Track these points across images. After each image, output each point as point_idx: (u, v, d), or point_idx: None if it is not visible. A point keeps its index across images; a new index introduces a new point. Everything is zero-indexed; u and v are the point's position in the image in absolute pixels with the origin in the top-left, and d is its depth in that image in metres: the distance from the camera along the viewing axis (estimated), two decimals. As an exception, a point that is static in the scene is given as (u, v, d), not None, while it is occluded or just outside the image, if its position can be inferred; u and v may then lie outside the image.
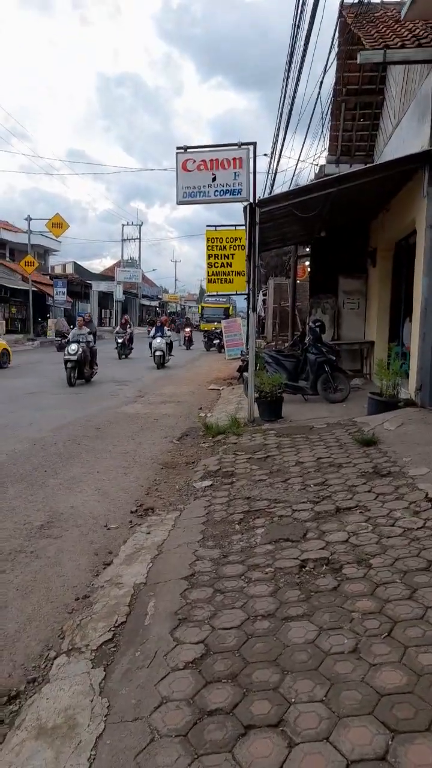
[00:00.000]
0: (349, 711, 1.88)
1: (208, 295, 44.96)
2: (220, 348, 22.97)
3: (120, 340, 19.91)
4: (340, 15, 8.91)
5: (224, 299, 40.75)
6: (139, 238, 48.27)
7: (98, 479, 5.30)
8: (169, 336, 17.22)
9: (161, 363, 16.48)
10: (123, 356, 19.88)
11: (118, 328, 21.29)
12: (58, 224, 27.44)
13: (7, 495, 4.81)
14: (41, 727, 2.06)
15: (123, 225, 47.33)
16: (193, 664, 2.25)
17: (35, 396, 10.47)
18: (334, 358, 8.59)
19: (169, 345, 17.06)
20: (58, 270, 42.99)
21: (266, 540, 3.45)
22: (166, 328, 17.32)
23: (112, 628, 2.67)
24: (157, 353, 16.51)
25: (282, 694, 2.00)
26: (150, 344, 17.01)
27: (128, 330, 20.29)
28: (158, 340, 16.62)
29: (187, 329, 28.95)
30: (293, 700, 1.97)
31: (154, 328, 17.52)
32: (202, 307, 43.70)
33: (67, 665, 2.43)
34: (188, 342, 27.55)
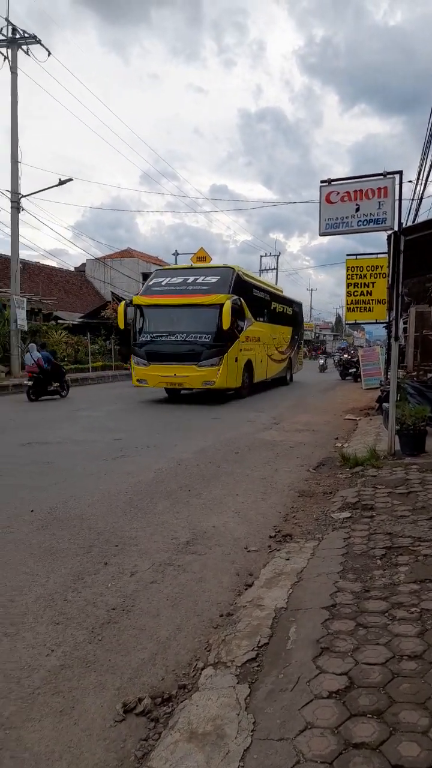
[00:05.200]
0: None
1: (161, 270, 18.31)
2: (356, 377, 22.40)
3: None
4: None
5: (214, 280, 15.09)
6: (276, 268, 49.04)
7: (237, 502, 5.48)
8: None
9: None
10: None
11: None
12: (202, 258, 29.02)
13: (156, 510, 5.18)
14: (192, 732, 2.21)
15: (261, 256, 48.50)
16: (336, 694, 2.26)
17: (181, 419, 11.11)
18: None
19: None
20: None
21: (411, 579, 3.32)
22: None
23: (255, 648, 2.76)
24: None
25: (432, 740, 1.94)
26: None
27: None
28: None
29: None
30: (445, 748, 1.89)
31: None
32: (138, 308, 15.65)
33: (214, 677, 2.57)
34: None
